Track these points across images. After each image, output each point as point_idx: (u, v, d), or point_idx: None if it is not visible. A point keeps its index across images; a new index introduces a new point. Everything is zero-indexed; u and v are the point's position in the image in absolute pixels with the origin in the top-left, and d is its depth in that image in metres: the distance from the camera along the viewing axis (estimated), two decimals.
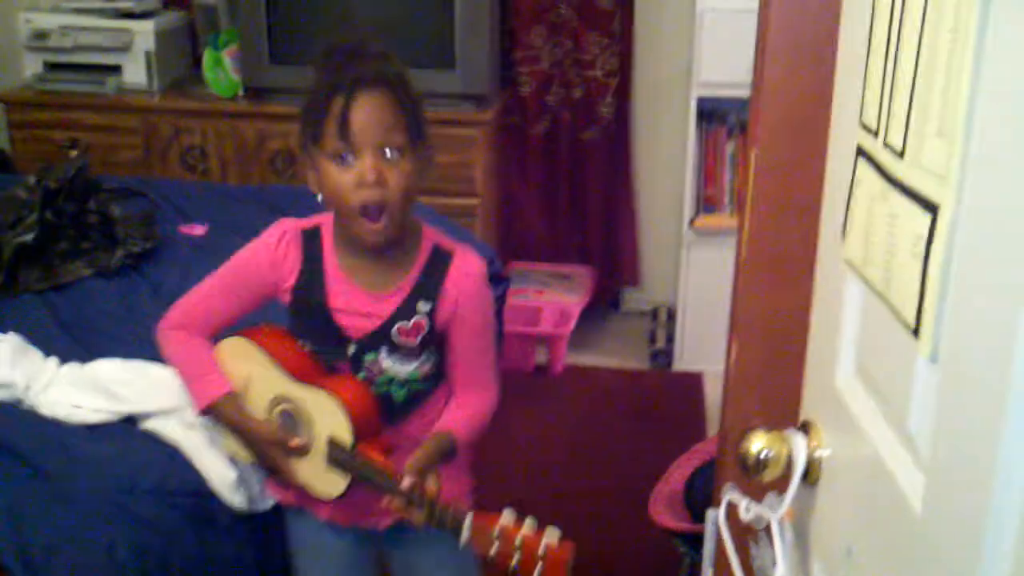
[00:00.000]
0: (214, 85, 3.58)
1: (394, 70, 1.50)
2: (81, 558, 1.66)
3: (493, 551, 1.39)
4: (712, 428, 3.24)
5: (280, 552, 1.89)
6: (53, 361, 2.07)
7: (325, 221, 1.59)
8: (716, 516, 1.22)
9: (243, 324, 1.66)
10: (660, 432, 3.25)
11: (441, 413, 1.62)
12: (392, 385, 1.58)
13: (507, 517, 1.40)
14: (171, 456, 1.86)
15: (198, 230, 2.90)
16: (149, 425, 1.93)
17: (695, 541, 2.39)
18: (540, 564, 1.37)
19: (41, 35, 3.59)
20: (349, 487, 1.54)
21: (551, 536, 1.38)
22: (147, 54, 3.60)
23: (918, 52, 0.77)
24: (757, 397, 1.36)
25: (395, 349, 1.56)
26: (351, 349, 1.56)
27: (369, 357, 1.56)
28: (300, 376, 1.56)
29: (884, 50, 0.84)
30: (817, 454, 1.05)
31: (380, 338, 1.55)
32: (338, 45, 1.53)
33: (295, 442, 1.55)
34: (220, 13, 3.67)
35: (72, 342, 2.23)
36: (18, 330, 2.14)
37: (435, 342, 1.58)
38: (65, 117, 3.58)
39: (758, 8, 1.24)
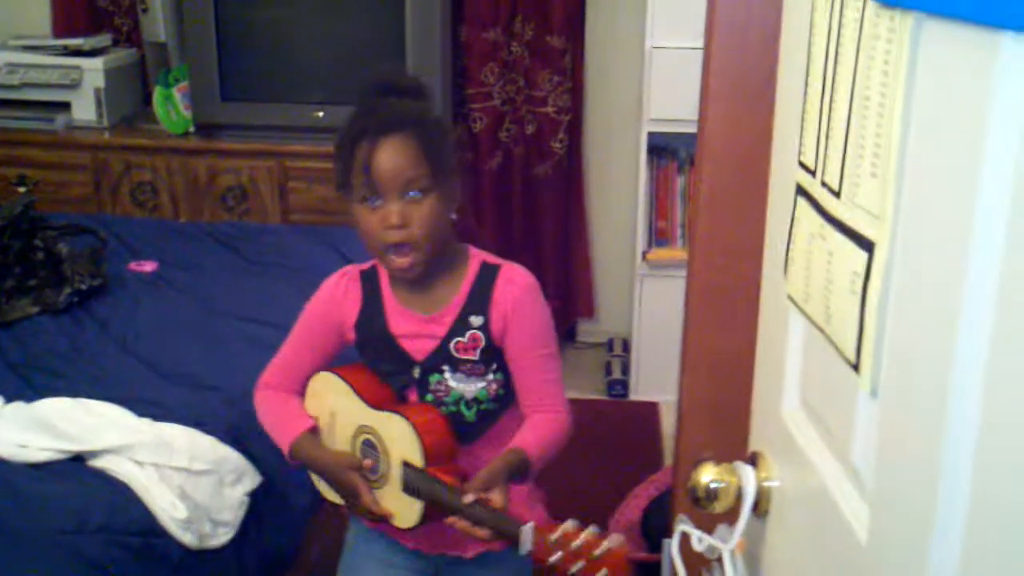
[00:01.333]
0: (165, 122, 3.56)
1: (417, 111, 1.56)
2: None
3: (555, 559, 1.40)
4: (669, 458, 3.26)
5: None
6: None
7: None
8: (671, 547, 1.23)
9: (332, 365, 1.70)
10: (617, 462, 3.25)
11: (511, 437, 1.62)
12: (461, 404, 1.60)
13: (568, 525, 1.41)
14: (120, 494, 1.84)
15: (148, 267, 2.88)
16: (98, 463, 1.90)
17: (652, 571, 2.39)
18: (605, 568, 1.37)
19: None
20: (424, 514, 1.55)
21: (614, 540, 1.39)
22: (97, 91, 3.58)
23: (852, 94, 0.79)
24: (708, 429, 1.38)
25: (457, 367, 1.59)
26: (416, 372, 1.60)
27: (434, 378, 1.59)
28: (375, 403, 1.60)
29: (820, 92, 0.87)
30: (766, 485, 1.06)
31: (441, 356, 1.59)
32: (375, 81, 1.59)
33: (367, 462, 1.59)
34: (171, 50, 3.66)
35: (18, 380, 2.20)
36: None
37: (498, 359, 1.60)
38: (14, 154, 3.54)
39: (703, 50, 1.27)
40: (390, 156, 1.50)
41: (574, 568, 1.39)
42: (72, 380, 2.20)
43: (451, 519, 1.50)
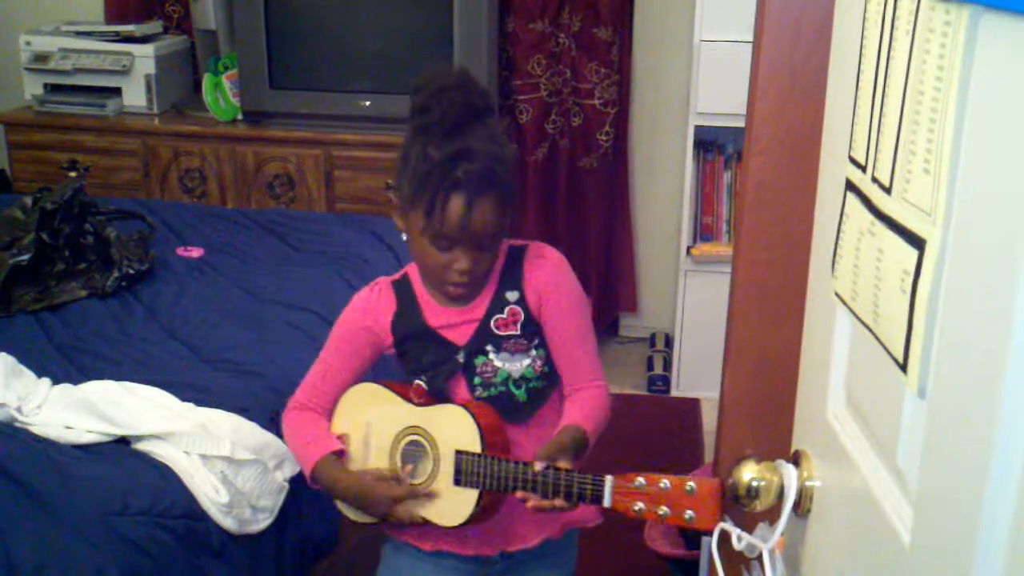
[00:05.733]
0: (214, 109, 3.60)
1: (502, 166, 1.52)
2: None
3: (638, 507, 1.42)
4: (709, 455, 3.24)
5: (271, 575, 1.89)
6: (45, 381, 2.07)
7: (412, 269, 1.66)
8: (710, 544, 1.22)
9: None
10: (657, 458, 3.24)
11: (560, 415, 1.63)
12: (510, 384, 1.60)
13: (644, 474, 1.43)
14: (163, 477, 1.85)
15: (195, 253, 2.91)
16: (141, 446, 1.92)
17: (690, 568, 2.38)
18: (690, 508, 1.38)
19: (42, 57, 3.61)
20: (477, 506, 1.54)
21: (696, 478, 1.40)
22: (147, 77, 3.62)
23: (905, 88, 0.78)
24: (749, 427, 1.37)
25: (501, 345, 1.59)
26: (461, 356, 1.60)
27: (479, 360, 1.60)
28: (422, 402, 1.60)
29: (872, 86, 0.85)
30: (808, 485, 1.05)
31: (483, 337, 1.59)
32: (463, 102, 1.50)
33: (406, 468, 1.58)
34: (220, 38, 3.69)
35: (65, 363, 2.23)
36: (11, 350, 2.14)
37: (539, 334, 1.61)
38: (65, 139, 3.59)
39: (752, 43, 1.25)
40: (481, 217, 1.50)
41: (660, 512, 1.39)
42: (118, 363, 2.23)
43: (522, 493, 1.49)
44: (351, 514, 1.67)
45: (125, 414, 1.96)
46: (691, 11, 3.42)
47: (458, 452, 1.55)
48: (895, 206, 0.79)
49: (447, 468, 1.56)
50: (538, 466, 1.48)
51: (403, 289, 1.65)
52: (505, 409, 1.60)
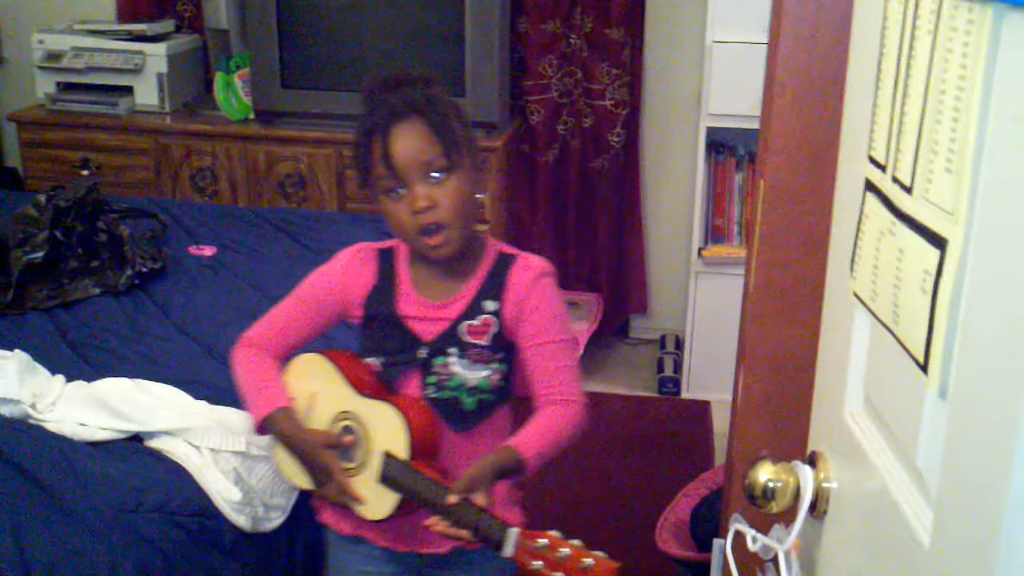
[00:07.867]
0: (225, 108, 3.60)
1: (423, 94, 1.54)
2: None
3: (537, 565, 1.38)
4: (720, 457, 3.23)
5: (283, 573, 1.89)
6: (60, 378, 2.07)
7: (399, 243, 1.64)
8: (723, 546, 1.22)
9: (316, 347, 1.68)
10: (667, 460, 3.24)
11: (506, 432, 1.61)
12: (461, 391, 1.58)
13: (554, 533, 1.40)
14: (176, 475, 1.86)
15: (207, 251, 2.91)
16: (155, 444, 1.93)
17: (701, 570, 2.38)
18: None
19: (54, 56, 3.62)
20: (397, 509, 1.54)
21: (599, 553, 1.37)
22: (159, 76, 3.63)
23: (926, 88, 0.77)
24: (765, 427, 1.37)
25: (465, 352, 1.57)
26: (422, 353, 1.58)
27: (439, 360, 1.58)
28: (363, 391, 1.58)
29: (893, 85, 0.85)
30: (825, 486, 1.04)
31: (450, 339, 1.57)
32: (378, 79, 1.57)
33: (347, 439, 1.57)
34: (232, 37, 3.69)
35: (79, 360, 2.24)
36: (25, 347, 2.15)
37: (505, 349, 1.59)
38: (77, 137, 3.60)
39: (768, 43, 1.25)
40: (404, 141, 1.50)
41: None
42: (131, 361, 2.24)
43: (430, 521, 1.47)
44: (291, 476, 1.65)
45: (139, 411, 1.96)
46: (703, 12, 3.41)
47: (386, 454, 1.54)
48: (916, 206, 0.79)
49: (375, 465, 1.55)
50: (451, 498, 1.44)
51: (386, 263, 1.63)
52: (450, 415, 1.58)
